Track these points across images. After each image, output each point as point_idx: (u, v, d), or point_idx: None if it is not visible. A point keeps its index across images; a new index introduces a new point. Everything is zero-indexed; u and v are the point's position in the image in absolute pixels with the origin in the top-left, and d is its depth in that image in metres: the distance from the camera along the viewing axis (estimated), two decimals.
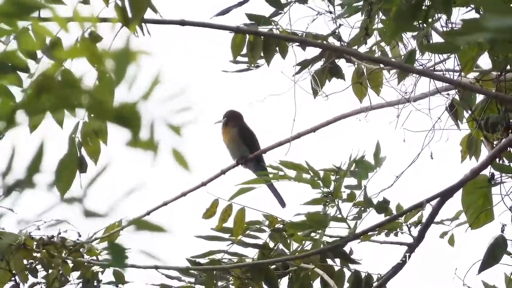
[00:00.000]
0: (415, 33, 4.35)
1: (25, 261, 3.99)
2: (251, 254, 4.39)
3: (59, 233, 3.82)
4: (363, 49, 4.59)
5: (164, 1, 3.34)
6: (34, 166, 1.63)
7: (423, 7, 3.50)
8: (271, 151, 4.99)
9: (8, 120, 1.59)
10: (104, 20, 3.13)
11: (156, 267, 3.95)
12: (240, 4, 4.51)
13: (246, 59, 4.61)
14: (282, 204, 4.91)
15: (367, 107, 4.77)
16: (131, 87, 1.57)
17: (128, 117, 1.57)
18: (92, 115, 1.63)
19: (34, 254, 3.95)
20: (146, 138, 1.60)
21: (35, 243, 3.88)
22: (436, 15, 3.89)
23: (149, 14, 3.22)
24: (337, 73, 4.76)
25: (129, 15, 3.14)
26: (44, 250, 3.86)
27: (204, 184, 4.72)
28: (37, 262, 3.99)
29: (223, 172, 4.92)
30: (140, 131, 1.58)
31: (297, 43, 4.60)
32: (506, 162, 3.94)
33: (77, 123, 3.27)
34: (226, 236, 4.35)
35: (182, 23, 3.26)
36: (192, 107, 1.66)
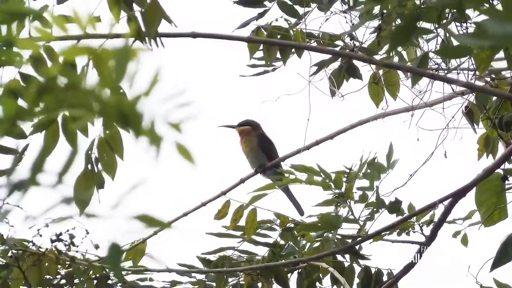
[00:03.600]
0: (429, 36, 4.36)
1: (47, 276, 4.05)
2: (261, 251, 4.43)
3: (67, 230, 3.87)
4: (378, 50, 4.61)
5: (178, 10, 3.39)
6: (38, 166, 1.67)
7: (438, 11, 3.51)
8: (289, 159, 5.02)
9: (12, 121, 1.64)
10: (117, 35, 3.18)
11: (169, 270, 4.01)
12: (259, 16, 4.56)
13: (263, 62, 4.65)
14: (301, 212, 4.94)
15: (382, 114, 4.78)
16: (131, 85, 1.61)
17: (128, 115, 1.60)
18: (96, 114, 1.66)
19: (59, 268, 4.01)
20: (148, 134, 1.63)
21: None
22: (450, 16, 3.90)
23: (162, 24, 3.27)
24: (354, 73, 4.78)
25: (142, 28, 3.19)
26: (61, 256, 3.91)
27: (224, 193, 4.73)
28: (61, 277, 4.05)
29: (242, 181, 4.94)
30: (141, 128, 1.62)
31: (313, 43, 4.63)
32: None
33: (93, 139, 3.30)
34: (236, 233, 4.39)
35: (193, 35, 3.32)
36: (192, 103, 1.69)
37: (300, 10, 4.59)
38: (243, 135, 5.14)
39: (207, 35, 3.36)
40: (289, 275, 4.35)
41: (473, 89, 4.13)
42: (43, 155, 1.70)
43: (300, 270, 4.33)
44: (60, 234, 3.87)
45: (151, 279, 4.15)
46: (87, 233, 3.88)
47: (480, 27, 2.16)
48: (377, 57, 4.41)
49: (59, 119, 3.13)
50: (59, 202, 1.70)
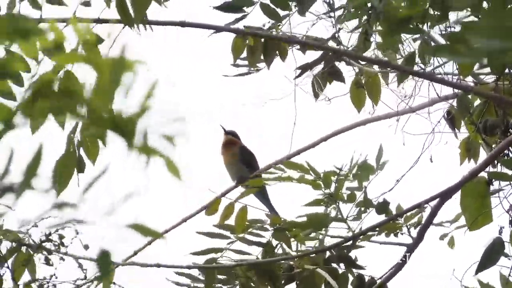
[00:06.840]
0: (414, 36, 4.38)
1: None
2: (255, 252, 4.41)
3: (57, 230, 3.85)
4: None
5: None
6: (32, 169, 1.67)
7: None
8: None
9: (6, 123, 1.63)
10: (106, 21, 3.16)
11: (158, 265, 3.99)
12: (236, 21, 4.57)
13: (246, 62, 4.65)
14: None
15: (366, 120, 4.79)
16: (126, 95, 1.60)
17: (123, 125, 1.60)
18: (89, 122, 1.66)
19: None
20: (140, 145, 1.63)
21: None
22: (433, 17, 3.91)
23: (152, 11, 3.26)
24: (338, 76, 4.79)
25: (131, 13, 3.16)
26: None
27: (205, 208, 4.72)
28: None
29: (223, 194, 4.92)
30: (134, 139, 1.61)
31: (297, 45, 4.64)
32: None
33: (77, 123, 3.26)
34: (228, 233, 4.36)
35: (182, 24, 3.31)
36: (185, 118, 1.68)
37: (282, 13, 4.59)
38: (226, 146, 5.12)
39: (196, 24, 3.34)
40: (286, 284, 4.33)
41: (462, 89, 4.12)
42: (37, 158, 1.69)
43: (297, 281, 4.28)
44: (50, 234, 3.85)
45: None
46: (77, 233, 3.86)
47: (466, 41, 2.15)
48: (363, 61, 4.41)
49: None
50: (51, 208, 1.70)
